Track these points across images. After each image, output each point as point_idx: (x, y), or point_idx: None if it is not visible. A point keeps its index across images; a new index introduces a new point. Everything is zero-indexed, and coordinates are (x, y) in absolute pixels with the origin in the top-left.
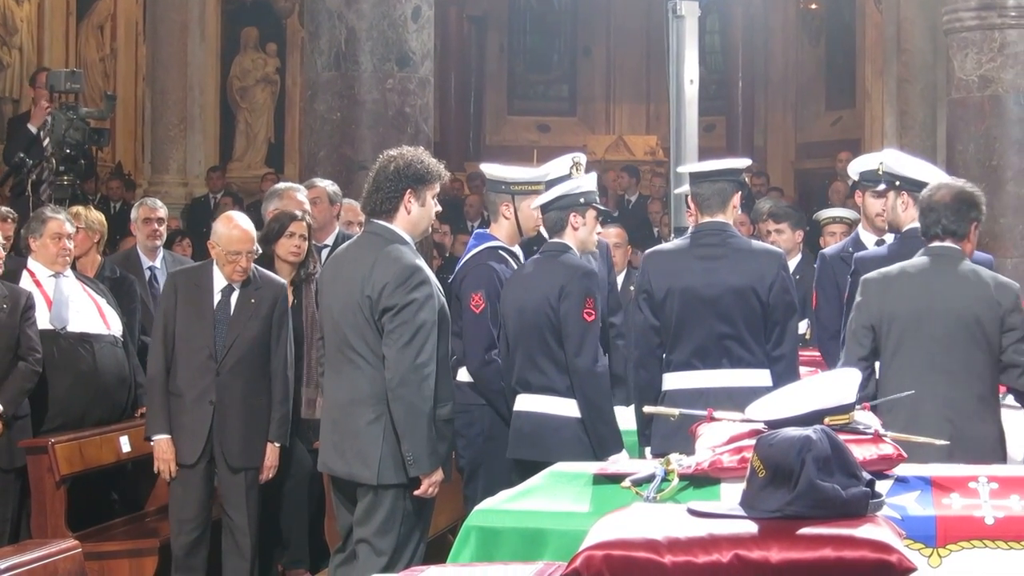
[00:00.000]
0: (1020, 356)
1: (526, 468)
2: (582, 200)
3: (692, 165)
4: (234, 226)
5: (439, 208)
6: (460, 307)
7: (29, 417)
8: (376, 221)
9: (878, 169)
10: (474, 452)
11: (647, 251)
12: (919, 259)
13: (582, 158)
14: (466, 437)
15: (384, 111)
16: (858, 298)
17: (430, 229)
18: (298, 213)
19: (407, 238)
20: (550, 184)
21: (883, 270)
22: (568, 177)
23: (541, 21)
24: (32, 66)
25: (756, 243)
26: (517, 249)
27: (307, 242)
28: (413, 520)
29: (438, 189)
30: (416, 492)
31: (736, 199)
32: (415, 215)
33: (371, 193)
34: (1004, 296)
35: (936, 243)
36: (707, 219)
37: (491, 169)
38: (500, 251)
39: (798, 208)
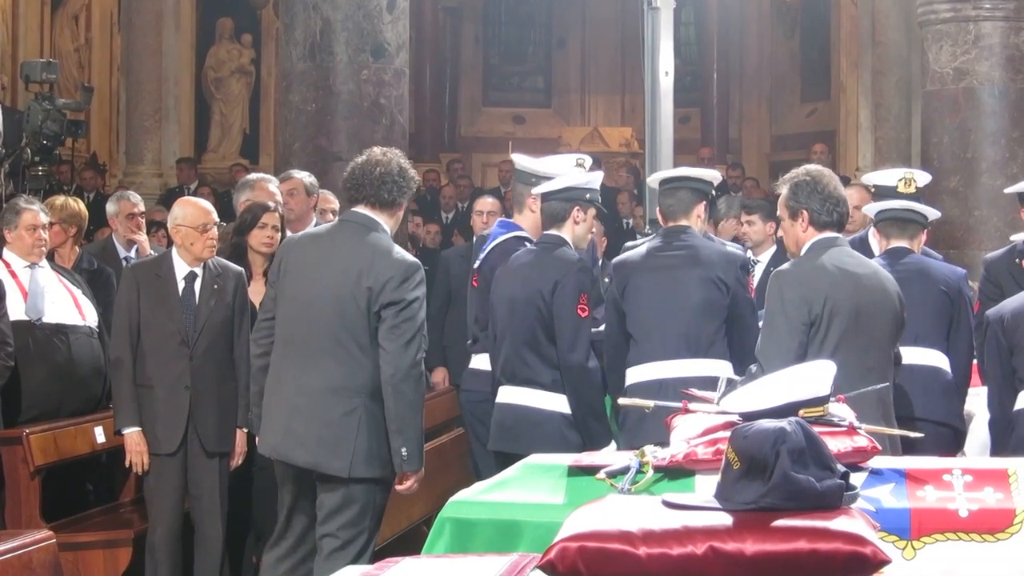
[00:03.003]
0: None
1: (508, 460)
2: (588, 196)
3: (658, 174)
4: (192, 203)
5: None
6: (483, 288)
7: None
8: (361, 211)
9: (896, 187)
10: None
11: (614, 260)
12: (826, 249)
13: (586, 159)
14: (485, 424)
15: (359, 102)
16: (784, 293)
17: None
18: (271, 204)
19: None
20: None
21: (798, 263)
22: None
23: (516, 12)
24: (7, 56)
25: (716, 246)
26: None
27: (280, 233)
28: (380, 515)
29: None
30: (400, 488)
31: (700, 209)
32: (398, 219)
33: (380, 184)
34: (899, 292)
35: (829, 232)
36: (671, 224)
37: (522, 160)
38: (525, 241)
39: (771, 200)
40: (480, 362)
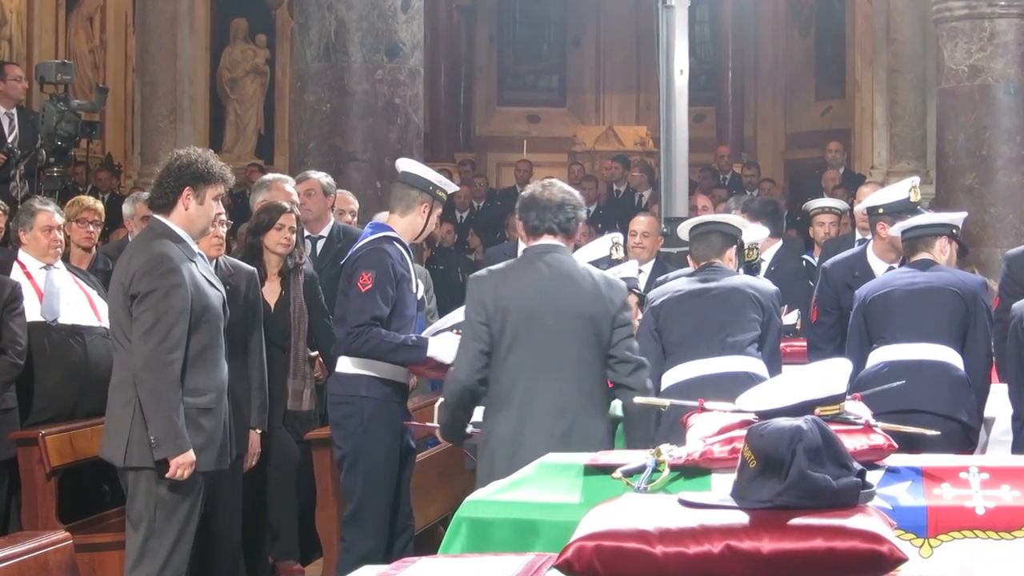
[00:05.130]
0: (631, 352)
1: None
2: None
3: (690, 221)
4: None
5: (221, 210)
6: (347, 286)
7: (16, 410)
8: (155, 216)
9: (909, 197)
10: (353, 444)
11: (655, 302)
12: (530, 256)
13: (620, 238)
14: (345, 429)
15: (374, 102)
16: (469, 297)
17: (209, 229)
18: (287, 205)
19: (181, 234)
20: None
21: (492, 268)
22: (608, 256)
23: (531, 12)
24: (22, 58)
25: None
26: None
27: (295, 234)
28: (168, 509)
29: (221, 191)
30: (167, 474)
31: (731, 252)
32: (192, 212)
33: (153, 188)
34: (615, 294)
35: (547, 239)
36: (703, 263)
37: (416, 166)
38: (396, 242)
39: (780, 200)
40: (344, 365)
